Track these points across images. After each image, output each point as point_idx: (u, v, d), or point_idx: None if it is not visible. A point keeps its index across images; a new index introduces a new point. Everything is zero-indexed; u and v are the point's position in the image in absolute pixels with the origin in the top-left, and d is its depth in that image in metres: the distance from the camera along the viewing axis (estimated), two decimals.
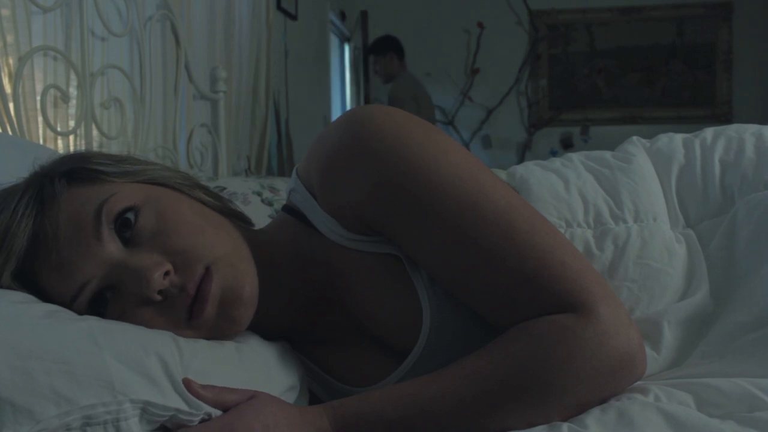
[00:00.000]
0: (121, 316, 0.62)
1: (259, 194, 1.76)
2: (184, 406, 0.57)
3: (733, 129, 0.89)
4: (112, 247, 0.62)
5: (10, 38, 1.29)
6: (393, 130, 0.67)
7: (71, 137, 1.47)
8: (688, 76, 4.97)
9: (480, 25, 4.97)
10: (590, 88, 5.07)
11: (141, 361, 0.56)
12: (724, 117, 4.76)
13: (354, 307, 0.75)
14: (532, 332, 0.61)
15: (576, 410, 0.60)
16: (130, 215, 0.63)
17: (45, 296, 0.63)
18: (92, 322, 0.59)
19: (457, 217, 0.64)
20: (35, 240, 0.62)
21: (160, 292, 0.61)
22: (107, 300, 0.63)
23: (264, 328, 0.74)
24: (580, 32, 5.07)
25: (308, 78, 3.76)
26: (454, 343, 0.70)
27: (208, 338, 0.65)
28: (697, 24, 4.95)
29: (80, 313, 0.62)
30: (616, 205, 0.77)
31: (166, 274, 0.62)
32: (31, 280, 0.63)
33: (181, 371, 0.58)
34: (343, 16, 4.89)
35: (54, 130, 1.40)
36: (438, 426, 0.61)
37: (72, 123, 1.49)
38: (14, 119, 1.29)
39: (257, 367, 0.68)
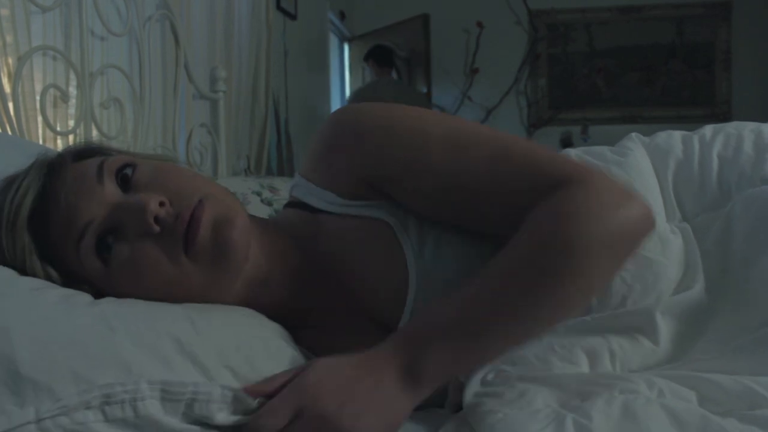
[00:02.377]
0: (126, 259, 0.65)
1: (258, 194, 1.76)
2: (201, 379, 0.58)
3: (732, 126, 0.89)
4: (112, 189, 0.68)
5: (9, 38, 1.29)
6: (379, 106, 0.76)
7: (71, 137, 1.47)
8: (687, 75, 4.96)
9: (479, 24, 4.96)
10: (590, 88, 5.06)
11: (154, 343, 0.58)
12: (723, 116, 4.75)
13: (347, 275, 0.77)
14: (537, 216, 0.65)
15: (603, 273, 0.64)
16: (128, 170, 0.69)
17: (53, 249, 0.67)
18: (104, 306, 0.61)
19: (447, 142, 0.71)
20: (44, 195, 0.68)
21: (157, 221, 0.65)
22: (111, 245, 0.66)
23: (264, 309, 0.75)
24: (580, 32, 5.06)
25: (308, 78, 3.76)
26: None
27: (209, 277, 0.67)
28: (697, 23, 4.94)
29: (87, 259, 0.66)
30: None
31: (162, 205, 0.66)
32: (42, 240, 0.67)
33: (198, 345, 0.60)
34: (342, 16, 4.88)
35: (54, 129, 1.40)
36: (487, 325, 0.62)
37: (71, 123, 1.49)
38: (14, 119, 1.29)
39: (270, 334, 0.69)
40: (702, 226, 0.80)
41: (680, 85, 4.97)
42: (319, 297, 0.78)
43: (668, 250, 0.76)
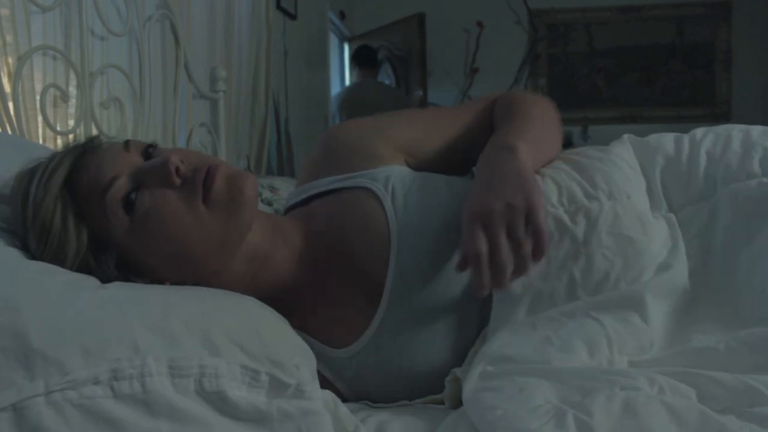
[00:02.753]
0: (149, 206, 0.72)
1: (258, 194, 1.76)
2: (205, 353, 0.59)
3: (722, 127, 0.96)
4: (137, 158, 0.76)
5: (9, 38, 1.30)
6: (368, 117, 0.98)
7: (71, 137, 1.47)
8: (687, 75, 4.97)
9: (479, 24, 4.96)
10: (590, 88, 5.06)
11: (163, 324, 0.59)
12: (723, 116, 4.75)
13: (339, 241, 0.84)
14: (496, 109, 0.95)
15: (547, 129, 0.93)
16: (151, 150, 0.78)
17: (82, 205, 0.72)
18: (114, 291, 0.63)
19: (432, 111, 1.08)
20: (78, 167, 0.74)
21: (177, 173, 0.72)
22: (134, 202, 0.72)
23: (263, 290, 0.80)
24: (580, 32, 5.06)
25: (308, 78, 3.76)
26: (426, 274, 0.80)
27: (222, 226, 0.74)
28: (697, 23, 4.94)
29: (112, 211, 0.71)
30: (591, 186, 0.82)
31: (182, 162, 0.74)
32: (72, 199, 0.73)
33: (207, 324, 0.62)
34: (342, 16, 4.89)
35: (54, 129, 1.40)
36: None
37: (72, 122, 1.49)
38: (14, 119, 1.29)
39: (274, 318, 0.74)
40: (687, 217, 0.84)
41: (680, 85, 4.97)
42: (315, 269, 0.84)
43: (649, 230, 0.79)
